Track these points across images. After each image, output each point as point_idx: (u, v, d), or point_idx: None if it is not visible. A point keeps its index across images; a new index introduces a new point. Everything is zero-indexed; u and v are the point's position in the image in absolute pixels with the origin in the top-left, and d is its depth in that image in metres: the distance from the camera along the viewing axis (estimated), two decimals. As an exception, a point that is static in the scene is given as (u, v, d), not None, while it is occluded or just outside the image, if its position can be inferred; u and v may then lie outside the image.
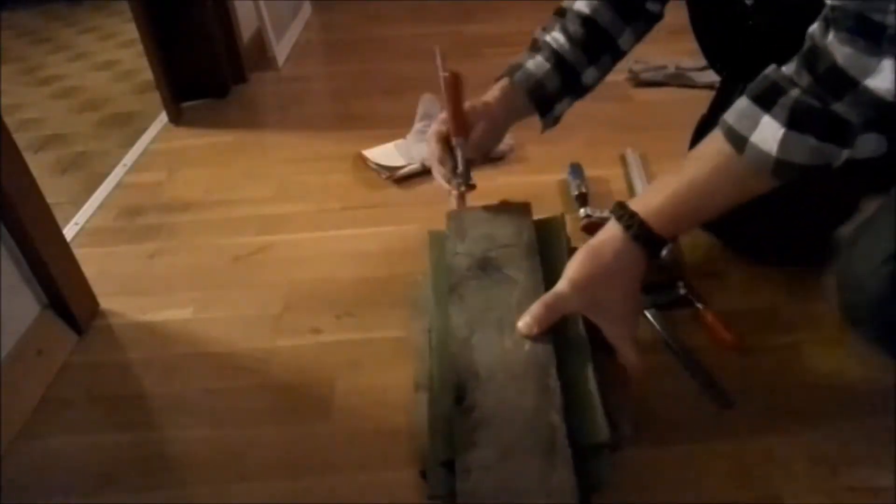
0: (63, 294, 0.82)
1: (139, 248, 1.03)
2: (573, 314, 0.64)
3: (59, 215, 0.86)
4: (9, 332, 0.75)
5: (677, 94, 1.46)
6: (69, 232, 1.08)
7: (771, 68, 0.57)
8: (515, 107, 0.82)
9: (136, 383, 0.78)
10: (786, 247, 0.85)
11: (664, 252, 0.65)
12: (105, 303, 0.90)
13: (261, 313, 0.87)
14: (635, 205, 0.62)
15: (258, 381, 0.76)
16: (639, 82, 1.52)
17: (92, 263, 0.92)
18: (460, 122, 0.74)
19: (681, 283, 0.83)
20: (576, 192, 1.04)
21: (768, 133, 0.55)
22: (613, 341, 0.63)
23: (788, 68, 0.55)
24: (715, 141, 0.59)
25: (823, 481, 0.60)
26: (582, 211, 1.00)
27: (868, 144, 0.55)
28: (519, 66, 0.82)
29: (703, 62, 1.54)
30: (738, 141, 0.57)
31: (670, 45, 1.71)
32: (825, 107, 0.53)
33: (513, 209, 0.78)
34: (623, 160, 1.17)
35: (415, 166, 1.16)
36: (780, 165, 0.55)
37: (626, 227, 0.61)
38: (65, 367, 0.80)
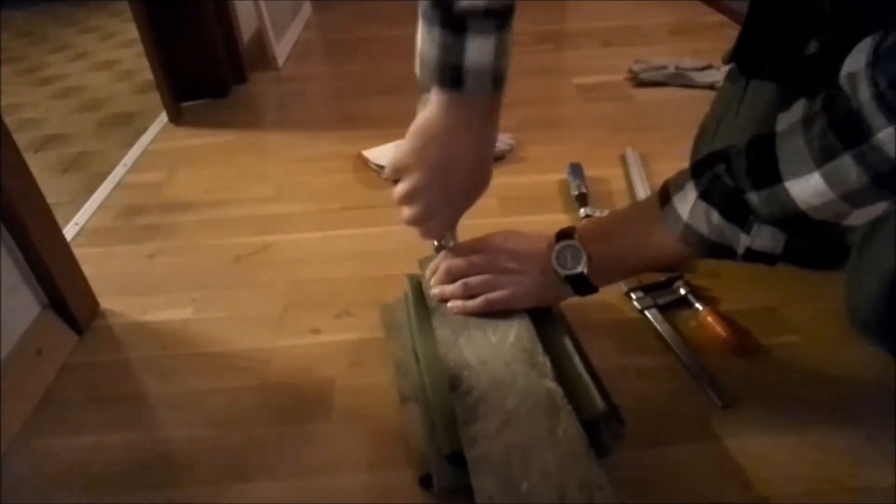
0: (63, 294, 0.82)
1: (139, 247, 1.03)
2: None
3: (59, 215, 0.85)
4: (9, 332, 0.75)
5: (677, 94, 1.47)
6: (69, 232, 1.08)
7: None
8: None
9: (136, 383, 0.78)
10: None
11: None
12: (105, 303, 0.90)
13: (261, 313, 0.87)
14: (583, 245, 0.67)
15: (258, 381, 0.76)
16: (639, 82, 1.52)
17: (92, 263, 0.92)
18: None
19: (681, 283, 0.83)
20: (576, 192, 1.04)
21: (687, 197, 0.59)
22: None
23: (740, 143, 0.56)
24: (652, 197, 0.64)
25: (823, 481, 0.60)
26: (582, 211, 1.00)
27: (764, 236, 0.56)
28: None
29: (703, 62, 1.55)
30: (664, 198, 0.61)
31: (670, 45, 1.71)
32: (738, 191, 0.55)
33: None
34: (623, 160, 1.17)
35: (415, 166, 1.16)
36: (687, 230, 0.59)
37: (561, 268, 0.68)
38: (65, 367, 0.80)
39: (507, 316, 0.70)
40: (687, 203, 0.59)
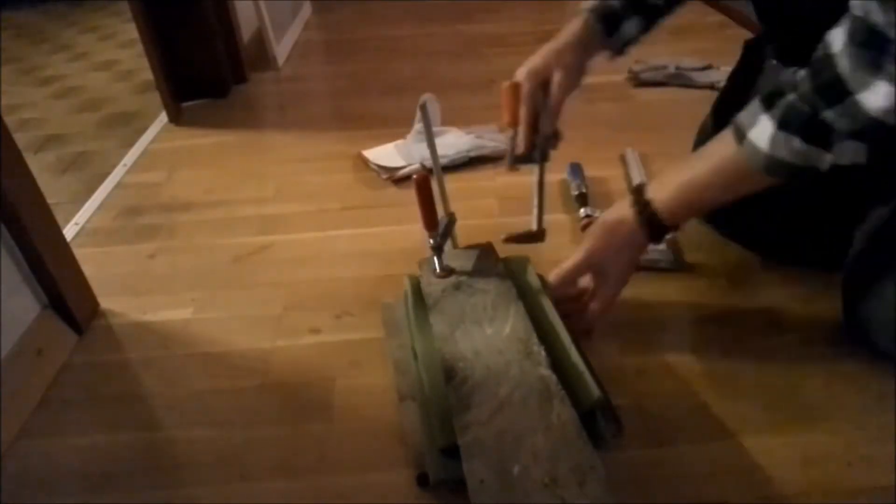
0: (63, 294, 0.82)
1: (139, 247, 1.03)
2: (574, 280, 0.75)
3: (59, 215, 0.85)
4: (9, 332, 0.75)
5: (677, 94, 1.47)
6: (69, 232, 1.08)
7: (788, 71, 0.60)
8: (587, 39, 0.82)
9: (136, 383, 0.78)
10: (792, 246, 0.86)
11: (667, 236, 0.72)
12: (105, 303, 0.90)
13: (261, 313, 0.87)
14: (651, 192, 0.70)
15: (258, 381, 0.76)
16: (639, 82, 1.52)
17: (92, 263, 0.92)
18: (432, 219, 0.76)
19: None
20: (576, 192, 1.04)
21: (763, 130, 0.60)
22: (601, 298, 0.74)
23: (800, 73, 0.58)
24: (724, 135, 0.65)
25: (823, 481, 0.60)
26: (582, 211, 1.00)
27: (847, 150, 0.58)
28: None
29: (703, 62, 1.55)
30: (740, 134, 0.62)
31: (670, 45, 1.71)
32: (814, 113, 0.57)
33: (478, 249, 0.82)
34: (623, 160, 1.17)
35: (415, 166, 1.16)
36: (770, 161, 0.60)
37: (639, 213, 0.70)
38: (65, 367, 0.80)
39: (503, 308, 0.70)
40: (765, 135, 0.60)
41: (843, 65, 0.54)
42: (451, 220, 0.80)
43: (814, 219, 0.80)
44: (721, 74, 1.44)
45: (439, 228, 0.76)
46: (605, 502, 0.51)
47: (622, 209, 0.72)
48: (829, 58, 0.55)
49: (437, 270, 0.77)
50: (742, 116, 0.63)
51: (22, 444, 0.70)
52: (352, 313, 0.85)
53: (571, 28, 0.82)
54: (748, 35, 0.92)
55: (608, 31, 0.82)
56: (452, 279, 0.76)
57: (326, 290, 0.90)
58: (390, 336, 0.79)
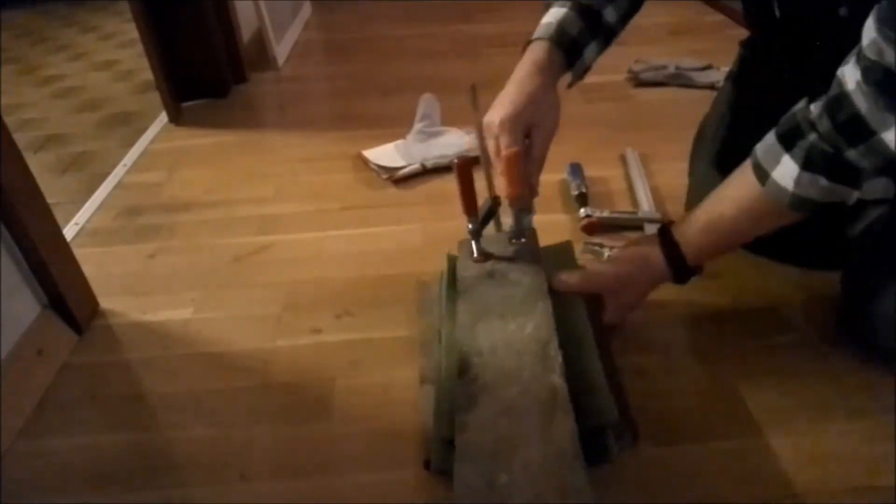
0: (63, 294, 0.82)
1: (139, 247, 1.03)
2: (593, 294, 0.74)
3: (59, 215, 0.85)
4: (9, 332, 0.75)
5: (677, 94, 1.47)
6: (69, 232, 1.08)
7: (799, 106, 0.60)
8: (556, 71, 0.76)
9: (136, 383, 0.78)
10: (789, 245, 0.86)
11: (693, 279, 0.73)
12: (105, 303, 0.90)
13: (261, 313, 0.87)
14: (678, 234, 0.70)
15: (258, 381, 0.76)
16: (639, 82, 1.52)
17: (92, 263, 0.92)
18: (471, 203, 0.75)
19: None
20: (575, 192, 1.04)
21: (786, 171, 0.60)
22: (613, 316, 0.74)
23: (815, 108, 0.58)
24: (744, 172, 0.65)
25: (823, 481, 0.60)
26: (582, 211, 1.00)
27: (876, 187, 0.58)
28: (539, 27, 0.78)
29: (703, 62, 1.55)
30: (762, 175, 0.62)
31: (670, 45, 1.71)
32: (837, 153, 0.56)
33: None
34: (623, 160, 1.17)
35: (415, 166, 1.17)
36: (796, 199, 0.60)
37: (666, 255, 0.70)
38: (65, 367, 0.80)
39: (529, 304, 0.68)
40: (789, 175, 0.60)
41: (862, 104, 0.53)
42: (496, 203, 0.76)
43: (813, 218, 0.80)
44: (721, 74, 1.44)
45: (479, 213, 0.75)
46: None
47: (653, 245, 0.72)
48: (845, 96, 0.54)
49: (475, 254, 0.76)
50: (761, 156, 0.62)
51: (22, 444, 0.70)
52: (352, 313, 0.85)
53: (535, 61, 0.75)
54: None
55: (570, 60, 0.77)
56: (488, 265, 0.75)
57: (326, 290, 0.90)
58: (422, 315, 0.78)
